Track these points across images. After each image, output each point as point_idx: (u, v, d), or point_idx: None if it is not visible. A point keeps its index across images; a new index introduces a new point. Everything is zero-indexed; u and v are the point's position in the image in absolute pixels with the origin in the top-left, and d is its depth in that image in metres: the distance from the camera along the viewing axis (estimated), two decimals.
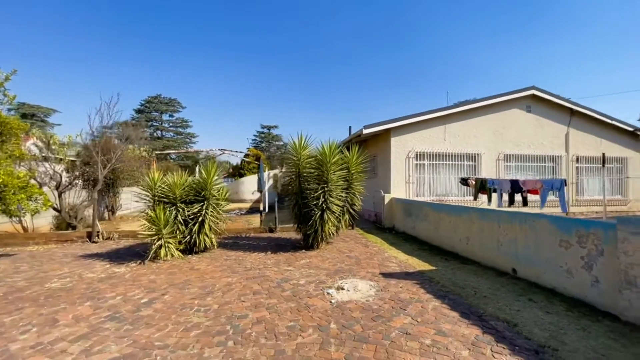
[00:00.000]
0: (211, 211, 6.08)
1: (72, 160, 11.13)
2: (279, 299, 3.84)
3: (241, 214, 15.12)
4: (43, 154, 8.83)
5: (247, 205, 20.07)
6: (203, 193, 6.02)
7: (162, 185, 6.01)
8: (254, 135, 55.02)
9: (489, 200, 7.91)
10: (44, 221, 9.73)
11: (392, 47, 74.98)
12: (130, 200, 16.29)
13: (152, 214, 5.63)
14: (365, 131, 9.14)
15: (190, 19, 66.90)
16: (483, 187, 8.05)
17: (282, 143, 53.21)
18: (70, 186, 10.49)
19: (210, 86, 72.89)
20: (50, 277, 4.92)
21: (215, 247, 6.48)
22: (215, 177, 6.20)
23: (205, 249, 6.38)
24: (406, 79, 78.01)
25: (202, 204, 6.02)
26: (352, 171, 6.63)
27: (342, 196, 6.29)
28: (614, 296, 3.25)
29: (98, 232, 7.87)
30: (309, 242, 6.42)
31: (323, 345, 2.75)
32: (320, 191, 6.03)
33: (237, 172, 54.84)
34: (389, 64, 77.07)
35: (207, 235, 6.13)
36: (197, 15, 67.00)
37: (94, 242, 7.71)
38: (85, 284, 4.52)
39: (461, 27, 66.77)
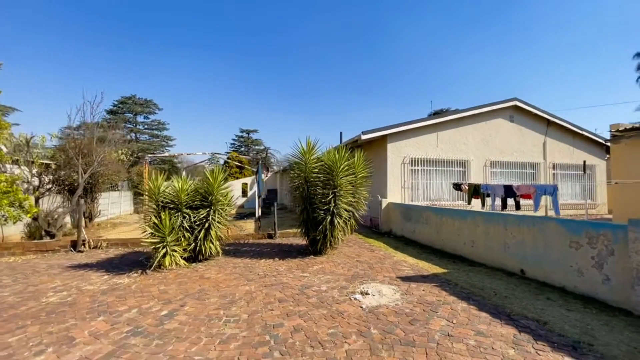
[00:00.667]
0: (218, 217, 5.86)
1: (45, 164, 10.26)
2: (308, 306, 3.75)
3: (229, 220, 14.66)
4: (16, 157, 8.05)
5: (232, 211, 19.52)
6: (210, 198, 5.79)
7: (166, 190, 5.71)
8: (233, 140, 53.99)
9: (483, 204, 8.30)
10: (14, 229, 8.84)
11: (368, 53, 77.00)
12: (108, 206, 15.34)
13: (156, 221, 5.31)
14: (364, 137, 9.28)
15: (164, 18, 64.65)
16: (476, 192, 8.44)
17: (262, 147, 52.60)
18: (48, 192, 9.66)
19: (187, 88, 70.61)
20: (42, 290, 4.48)
21: (220, 254, 6.23)
22: (222, 182, 5.99)
23: (209, 257, 6.13)
24: (380, 84, 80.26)
25: (208, 209, 5.79)
26: (358, 176, 6.69)
27: (350, 201, 6.31)
28: (625, 292, 3.52)
29: (84, 240, 7.29)
30: (317, 247, 6.36)
31: (373, 351, 2.73)
32: (331, 196, 6.02)
33: None
34: (365, 69, 78.94)
35: (213, 242, 5.89)
36: (171, 15, 64.91)
37: (79, 251, 7.12)
38: (88, 297, 4.16)
39: (435, 34, 70.07)
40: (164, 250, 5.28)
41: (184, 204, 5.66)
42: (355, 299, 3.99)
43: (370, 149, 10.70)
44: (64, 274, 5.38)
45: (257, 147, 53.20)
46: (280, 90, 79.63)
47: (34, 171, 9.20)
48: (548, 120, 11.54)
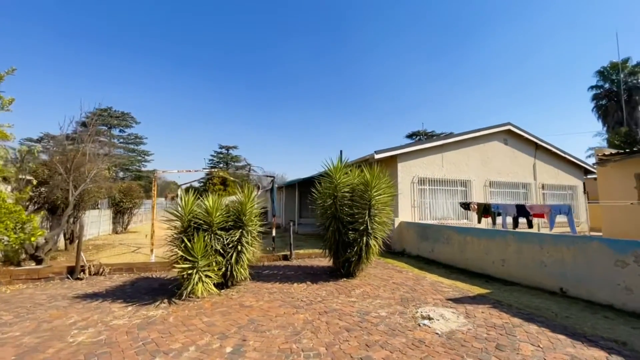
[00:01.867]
0: (250, 238, 5.51)
1: (26, 180, 9.22)
2: (382, 335, 3.54)
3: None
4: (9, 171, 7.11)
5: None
6: (242, 218, 5.45)
7: (196, 209, 5.30)
8: (212, 156, 52.55)
9: (494, 223, 8.59)
10: None
11: (340, 68, 79.94)
12: (87, 226, 13.99)
13: (188, 244, 4.87)
14: (377, 156, 9.39)
15: (142, 29, 63.28)
16: (487, 211, 8.74)
17: (242, 164, 51.51)
18: (25, 210, 8.59)
19: (164, 101, 68.48)
20: (61, 328, 3.86)
21: (249, 279, 5.81)
22: (253, 200, 5.69)
23: (237, 282, 5.69)
24: (354, 98, 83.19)
25: (239, 230, 5.43)
26: (384, 194, 6.64)
27: (384, 221, 6.24)
28: None
29: (83, 266, 6.49)
30: (350, 269, 6.15)
31: None
32: (366, 216, 5.92)
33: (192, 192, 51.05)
34: (338, 85, 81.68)
35: (243, 267, 5.50)
36: (149, 26, 63.76)
37: (78, 278, 6.32)
38: (125, 335, 3.64)
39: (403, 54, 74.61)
40: (196, 276, 4.82)
41: (216, 224, 5.26)
42: (424, 324, 3.84)
43: (380, 168, 10.82)
44: (75, 306, 4.70)
45: (236, 164, 52.05)
46: (257, 106, 79.72)
47: (9, 187, 8.20)
48: (536, 143, 12.45)
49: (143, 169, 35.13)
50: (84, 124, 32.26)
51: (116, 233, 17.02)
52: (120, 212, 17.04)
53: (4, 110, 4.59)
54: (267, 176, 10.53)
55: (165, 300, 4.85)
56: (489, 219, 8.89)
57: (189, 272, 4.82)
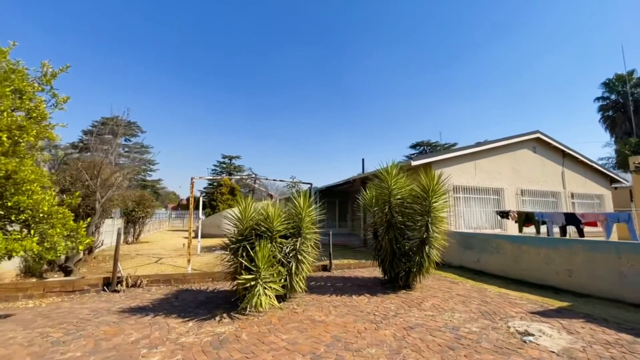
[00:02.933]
0: (311, 248, 5.16)
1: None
2: (493, 354, 3.18)
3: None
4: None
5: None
6: (301, 225, 5.11)
7: (256, 216, 4.96)
8: (214, 165, 52.29)
9: (538, 232, 8.29)
10: (10, 265, 7.21)
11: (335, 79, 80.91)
12: (102, 235, 13.48)
13: (251, 253, 4.51)
14: (414, 163, 9.17)
15: (142, 40, 63.86)
16: (529, 219, 8.46)
17: (246, 173, 51.15)
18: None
19: (167, 111, 68.53)
20: (125, 347, 3.45)
21: (304, 291, 5.41)
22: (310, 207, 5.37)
23: (292, 295, 5.30)
24: (350, 108, 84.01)
25: (297, 238, 5.09)
26: (441, 201, 6.35)
27: (442, 230, 5.93)
28: None
29: (119, 277, 6.07)
30: (408, 280, 5.79)
31: None
32: (427, 225, 5.61)
33: (195, 203, 50.35)
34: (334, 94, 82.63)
35: (301, 278, 5.13)
36: (150, 35, 64.39)
37: (115, 291, 5.88)
38: (202, 355, 3.24)
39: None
40: (260, 288, 4.43)
41: (276, 231, 4.91)
42: (530, 341, 3.48)
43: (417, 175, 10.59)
44: (126, 321, 4.28)
45: (240, 174, 51.67)
46: (253, 115, 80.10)
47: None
48: (564, 151, 12.32)
49: (148, 178, 34.68)
50: (89, 132, 31.82)
51: (127, 243, 16.43)
52: (132, 221, 16.53)
53: (58, 108, 4.28)
54: (304, 183, 10.22)
55: (225, 315, 4.45)
56: (539, 229, 8.60)
57: (252, 283, 4.43)
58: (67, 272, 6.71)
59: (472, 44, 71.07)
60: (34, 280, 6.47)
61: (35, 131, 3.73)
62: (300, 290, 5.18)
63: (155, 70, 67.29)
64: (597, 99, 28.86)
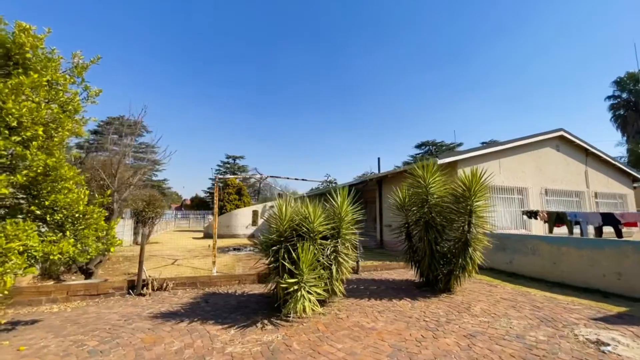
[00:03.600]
0: (351, 249, 4.89)
1: None
2: None
3: (258, 251, 13.15)
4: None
5: (243, 240, 17.86)
6: (341, 225, 4.84)
7: (295, 216, 4.69)
8: (218, 166, 52.06)
9: (570, 232, 8.01)
10: None
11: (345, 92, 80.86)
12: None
13: (294, 254, 4.24)
14: (440, 161, 8.87)
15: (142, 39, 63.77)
16: (560, 220, 8.17)
17: (251, 173, 50.87)
18: None
19: (172, 109, 68.44)
20: (169, 357, 3.19)
21: (343, 295, 5.14)
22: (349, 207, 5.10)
23: (330, 300, 5.03)
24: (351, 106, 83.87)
25: (337, 240, 4.82)
26: (482, 199, 6.03)
27: (485, 231, 5.65)
28: None
29: (144, 280, 5.81)
30: (448, 284, 5.52)
31: None
32: (468, 225, 5.34)
33: (197, 202, 49.99)
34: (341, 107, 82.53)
35: (340, 281, 4.86)
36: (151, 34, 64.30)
37: (140, 294, 5.62)
38: None
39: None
40: (304, 292, 4.17)
41: (316, 232, 4.63)
42: (608, 351, 3.21)
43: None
44: (161, 328, 4.02)
45: (243, 174, 51.41)
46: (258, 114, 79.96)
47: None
48: (586, 150, 12.02)
49: (154, 178, 34.48)
50: (95, 132, 31.57)
51: (137, 244, 16.18)
52: (142, 221, 16.27)
53: (90, 102, 4.02)
54: (328, 182, 9.91)
55: (266, 321, 4.19)
56: (571, 229, 8.32)
57: (295, 287, 4.16)
58: (87, 274, 6.46)
59: (471, 42, 70.78)
60: (51, 282, 6.24)
61: (70, 125, 3.47)
62: (339, 294, 4.92)
63: (157, 70, 67.18)
64: (608, 97, 28.53)
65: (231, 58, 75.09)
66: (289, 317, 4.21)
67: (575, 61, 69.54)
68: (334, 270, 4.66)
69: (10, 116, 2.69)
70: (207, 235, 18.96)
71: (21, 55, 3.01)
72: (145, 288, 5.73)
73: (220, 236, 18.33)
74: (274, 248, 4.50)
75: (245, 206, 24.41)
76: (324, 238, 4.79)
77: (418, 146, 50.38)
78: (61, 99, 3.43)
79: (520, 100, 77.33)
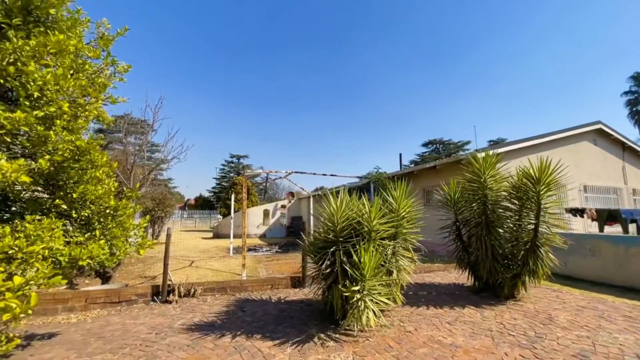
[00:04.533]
0: (408, 251, 4.28)
1: None
2: None
3: (276, 251, 12.60)
4: None
5: (256, 240, 17.28)
6: (401, 224, 4.23)
7: (349, 213, 4.07)
8: (222, 165, 51.64)
9: (625, 231, 7.36)
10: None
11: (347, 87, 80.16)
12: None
13: (355, 257, 3.63)
14: (478, 155, 8.24)
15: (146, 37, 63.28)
16: (613, 218, 7.53)
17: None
18: None
19: (177, 107, 67.92)
20: None
21: (403, 303, 4.51)
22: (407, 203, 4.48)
23: (388, 309, 4.41)
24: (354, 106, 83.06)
25: (396, 240, 4.21)
26: (553, 193, 5.28)
27: (556, 229, 5.02)
28: None
29: (170, 286, 5.21)
30: (514, 289, 4.89)
31: None
32: (536, 223, 4.72)
33: (201, 202, 49.40)
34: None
35: (399, 287, 4.25)
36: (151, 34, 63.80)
37: (166, 301, 5.03)
38: None
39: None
40: (368, 301, 3.54)
41: (375, 232, 4.01)
42: None
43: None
44: (202, 344, 3.42)
45: (248, 173, 50.88)
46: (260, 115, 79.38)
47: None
48: (624, 144, 11.36)
49: (159, 177, 33.85)
50: (99, 130, 30.99)
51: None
52: (151, 221, 15.71)
53: (118, 79, 3.42)
54: (369, 180, 9.39)
55: (323, 335, 3.58)
56: (626, 228, 7.67)
57: (357, 296, 3.54)
58: (105, 278, 5.88)
59: (470, 41, 69.96)
60: (64, 287, 5.64)
61: (99, 102, 2.87)
62: (399, 302, 4.30)
63: (157, 70, 66.70)
64: (625, 92, 27.78)
65: (231, 58, 74.48)
66: (351, 330, 3.60)
67: (580, 58, 68.59)
68: (395, 275, 4.04)
69: (32, 83, 2.10)
70: (217, 235, 18.39)
71: (44, 9, 2.41)
72: (171, 294, 5.14)
73: (229, 236, 17.78)
74: (329, 250, 3.87)
75: (253, 205, 23.80)
76: (382, 238, 4.17)
77: (425, 144, 49.70)
78: (89, 70, 2.83)
79: (521, 97, 76.33)
